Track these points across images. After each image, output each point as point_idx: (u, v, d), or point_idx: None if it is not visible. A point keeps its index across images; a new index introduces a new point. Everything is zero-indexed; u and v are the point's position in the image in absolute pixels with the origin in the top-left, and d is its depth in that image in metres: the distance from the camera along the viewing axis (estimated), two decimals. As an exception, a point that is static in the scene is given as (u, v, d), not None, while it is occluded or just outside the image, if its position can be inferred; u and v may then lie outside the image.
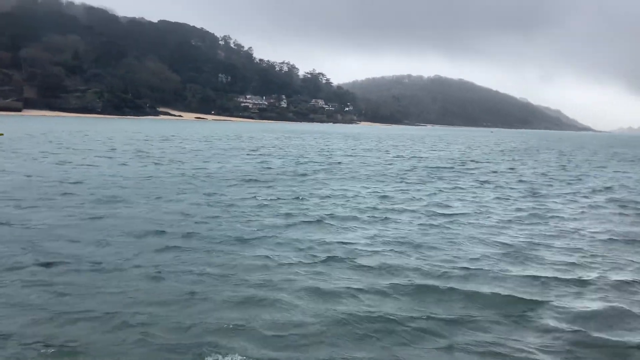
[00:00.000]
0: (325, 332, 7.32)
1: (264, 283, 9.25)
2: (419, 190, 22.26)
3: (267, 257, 10.89)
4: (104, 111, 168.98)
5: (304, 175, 26.63)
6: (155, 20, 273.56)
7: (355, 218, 15.39)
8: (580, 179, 29.47)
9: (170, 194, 18.42)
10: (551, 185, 25.64)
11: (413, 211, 16.84)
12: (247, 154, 40.24)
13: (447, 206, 18.06)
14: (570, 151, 67.65)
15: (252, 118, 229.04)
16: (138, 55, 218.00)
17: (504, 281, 9.75)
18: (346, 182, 24.13)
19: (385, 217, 15.61)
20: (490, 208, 17.93)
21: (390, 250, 11.78)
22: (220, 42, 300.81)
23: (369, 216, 15.72)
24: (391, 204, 18.05)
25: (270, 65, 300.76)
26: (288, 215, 15.41)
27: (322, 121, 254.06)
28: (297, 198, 18.63)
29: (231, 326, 7.41)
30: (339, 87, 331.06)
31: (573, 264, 11.10)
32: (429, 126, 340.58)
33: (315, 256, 11.07)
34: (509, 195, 21.32)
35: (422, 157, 44.74)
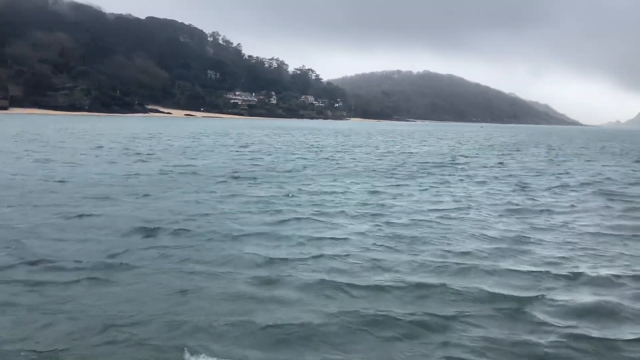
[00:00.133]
0: (317, 329, 7.20)
1: (254, 280, 9.12)
2: (409, 185, 22.22)
3: (256, 254, 10.75)
4: (92, 109, 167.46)
5: (293, 171, 26.52)
6: (142, 16, 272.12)
7: (345, 214, 15.30)
8: (569, 173, 29.58)
9: (157, 192, 18.22)
10: (541, 179, 25.69)
11: (403, 206, 16.77)
12: (236, 151, 40.08)
13: (438, 201, 18.02)
14: (559, 145, 68.02)
15: (241, 115, 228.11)
16: (126, 52, 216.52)
17: (495, 276, 9.69)
18: (336, 178, 24.04)
19: (376, 213, 15.53)
20: (480, 203, 17.91)
21: (382, 245, 11.70)
22: (208, 39, 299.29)
23: (359, 212, 15.63)
24: (381, 200, 17.97)
25: (260, 62, 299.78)
26: (278, 211, 15.28)
27: (312, 117, 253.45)
28: (287, 195, 18.51)
29: (222, 324, 7.28)
30: (328, 83, 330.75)
31: (564, 257, 11.06)
32: (419, 121, 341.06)
33: (306, 253, 10.95)
34: (499, 190, 21.32)
35: (412, 153, 44.78)
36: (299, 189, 19.91)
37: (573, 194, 20.82)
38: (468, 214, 15.83)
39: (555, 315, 7.90)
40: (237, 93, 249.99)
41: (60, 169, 24.38)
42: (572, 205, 17.79)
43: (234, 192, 18.63)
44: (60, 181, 20.12)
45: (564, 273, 9.93)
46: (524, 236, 12.93)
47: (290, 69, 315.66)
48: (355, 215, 15.13)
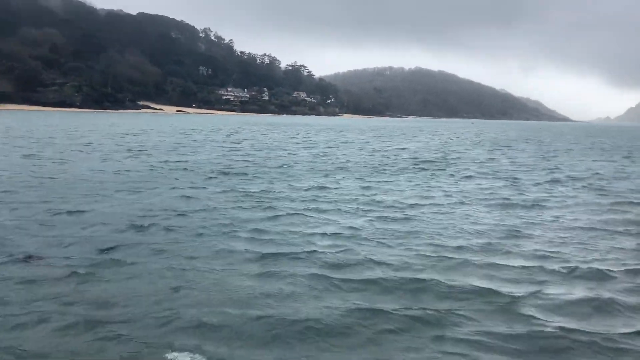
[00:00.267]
0: (310, 325, 7.15)
1: (246, 276, 9.07)
2: (400, 181, 22.22)
3: (247, 250, 10.70)
4: (83, 105, 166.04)
5: (285, 167, 26.45)
6: (134, 12, 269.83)
7: (337, 209, 15.27)
8: (559, 168, 29.68)
9: (148, 188, 18.11)
10: (531, 175, 25.76)
11: (395, 202, 16.75)
12: (228, 147, 39.91)
13: (430, 196, 18.03)
14: (550, 141, 68.28)
15: (233, 111, 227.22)
16: (117, 48, 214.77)
17: (487, 271, 9.69)
18: (328, 174, 23.99)
19: (368, 209, 15.51)
20: (471, 198, 17.93)
21: (374, 241, 11.67)
22: (200, 35, 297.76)
23: (351, 207, 15.61)
24: (373, 195, 17.95)
25: (252, 58, 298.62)
26: (270, 207, 15.22)
27: (304, 113, 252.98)
28: (279, 190, 18.46)
29: (213, 321, 7.22)
30: (320, 79, 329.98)
31: (555, 252, 11.08)
32: (411, 118, 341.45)
33: (297, 248, 10.90)
34: (490, 185, 21.37)
35: (403, 149, 44.81)
36: (290, 185, 19.86)
37: (563, 189, 20.90)
38: (460, 209, 15.84)
39: (548, 310, 7.90)
40: (229, 89, 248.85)
41: (49, 165, 24.18)
42: (563, 200, 17.85)
43: (225, 188, 18.55)
44: (49, 177, 19.94)
45: (556, 268, 9.94)
46: (516, 231, 12.96)
47: (283, 65, 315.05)
48: (347, 211, 15.10)
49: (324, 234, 12.17)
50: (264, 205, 15.47)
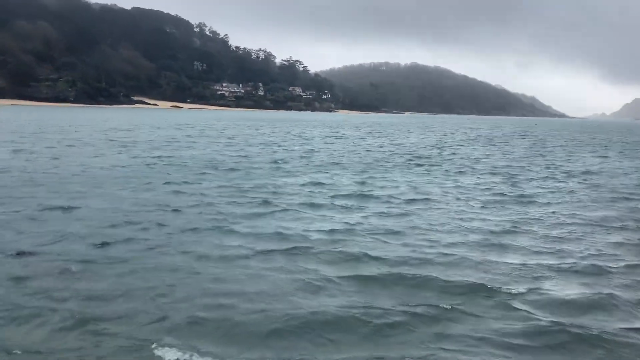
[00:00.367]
0: (306, 323, 7.04)
1: (240, 274, 8.94)
2: (396, 177, 22.13)
3: (241, 246, 10.57)
4: (77, 100, 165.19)
5: (280, 162, 26.30)
6: (128, 7, 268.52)
7: (333, 205, 15.15)
8: (555, 164, 29.67)
9: (141, 183, 17.92)
10: (527, 171, 25.74)
11: (391, 197, 16.64)
12: (223, 142, 39.72)
13: (425, 192, 17.92)
14: (546, 137, 68.40)
15: (228, 106, 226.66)
16: (111, 42, 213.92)
17: (483, 267, 9.61)
18: (323, 170, 23.88)
19: (363, 205, 15.40)
20: (467, 193, 17.86)
21: (370, 237, 11.56)
22: (195, 30, 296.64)
23: (346, 203, 15.49)
24: (369, 191, 17.83)
25: (247, 53, 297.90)
26: (265, 203, 15.08)
27: (299, 109, 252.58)
28: (274, 186, 18.32)
29: (209, 319, 7.10)
30: (316, 74, 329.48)
31: (552, 248, 11.03)
32: (407, 113, 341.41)
33: (292, 244, 10.77)
34: (487, 181, 21.31)
35: (399, 144, 44.74)
36: (285, 181, 19.72)
37: (559, 184, 20.86)
38: (455, 204, 15.76)
39: (545, 306, 7.82)
40: (224, 84, 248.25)
41: (40, 160, 23.94)
42: (559, 196, 17.80)
43: (219, 184, 18.39)
44: (41, 173, 19.74)
45: (553, 263, 9.89)
46: (512, 227, 12.88)
47: (278, 61, 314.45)
48: (343, 206, 14.98)
49: (319, 230, 12.05)
50: (258, 201, 15.32)
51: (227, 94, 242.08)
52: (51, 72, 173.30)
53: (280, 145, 38.41)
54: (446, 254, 10.31)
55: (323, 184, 19.23)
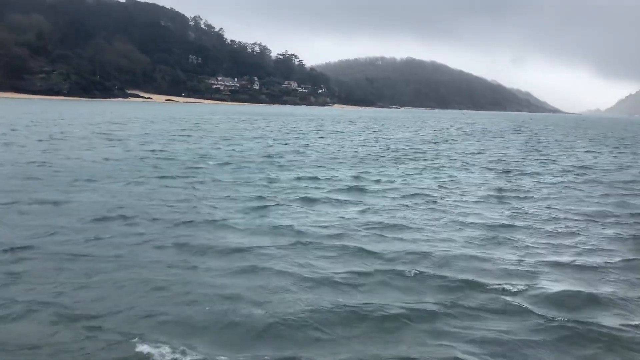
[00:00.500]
0: (300, 320, 6.93)
1: (235, 270, 8.82)
2: (391, 172, 22.06)
3: (236, 242, 10.48)
4: (71, 93, 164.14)
5: (274, 157, 26.18)
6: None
7: (328, 200, 15.06)
8: (550, 159, 29.64)
9: (134, 177, 17.76)
10: (524, 166, 25.70)
11: (386, 192, 16.56)
12: (217, 136, 39.54)
13: (421, 187, 17.84)
14: (540, 132, 68.48)
15: (223, 100, 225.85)
16: (106, 35, 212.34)
17: (480, 264, 9.52)
18: (319, 165, 23.80)
19: (358, 200, 15.32)
20: (463, 189, 17.81)
21: (365, 233, 11.48)
22: (190, 23, 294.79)
23: (342, 198, 15.40)
24: (364, 186, 17.74)
25: (242, 47, 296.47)
26: (259, 198, 14.97)
27: (295, 103, 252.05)
28: (269, 181, 18.22)
29: (201, 317, 6.98)
30: (312, 69, 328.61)
31: (548, 244, 10.97)
32: (402, 108, 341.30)
33: (287, 240, 10.67)
34: (482, 176, 21.26)
35: (395, 139, 44.65)
36: (279, 175, 19.60)
37: (555, 179, 20.81)
38: (451, 199, 15.70)
39: (542, 302, 7.74)
40: (219, 78, 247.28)
41: (33, 153, 23.72)
42: (555, 191, 17.75)
43: (213, 178, 18.26)
44: (32, 166, 19.55)
45: (549, 259, 9.83)
46: (508, 222, 12.83)
47: (273, 55, 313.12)
48: (338, 201, 14.89)
49: (314, 225, 11.96)
50: (252, 196, 15.21)
51: (222, 88, 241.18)
52: (45, 65, 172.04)
53: (275, 140, 38.26)
54: (442, 250, 10.23)
55: (318, 178, 19.12)
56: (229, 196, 15.06)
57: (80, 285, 7.92)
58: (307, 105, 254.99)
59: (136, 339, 6.33)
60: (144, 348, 6.13)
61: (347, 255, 9.76)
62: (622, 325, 7.05)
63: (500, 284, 8.37)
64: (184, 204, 13.72)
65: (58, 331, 6.51)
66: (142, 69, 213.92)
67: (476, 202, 15.53)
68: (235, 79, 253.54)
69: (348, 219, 12.71)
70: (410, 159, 27.42)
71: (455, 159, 28.15)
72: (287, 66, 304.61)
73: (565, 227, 12.56)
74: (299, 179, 18.87)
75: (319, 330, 6.71)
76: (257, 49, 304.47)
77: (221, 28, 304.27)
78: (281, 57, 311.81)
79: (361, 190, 16.91)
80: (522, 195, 16.74)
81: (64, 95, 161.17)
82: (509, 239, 11.23)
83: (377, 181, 19.00)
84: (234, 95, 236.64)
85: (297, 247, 10.19)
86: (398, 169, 23.04)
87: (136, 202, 13.69)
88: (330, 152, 30.17)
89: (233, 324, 6.80)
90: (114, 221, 11.70)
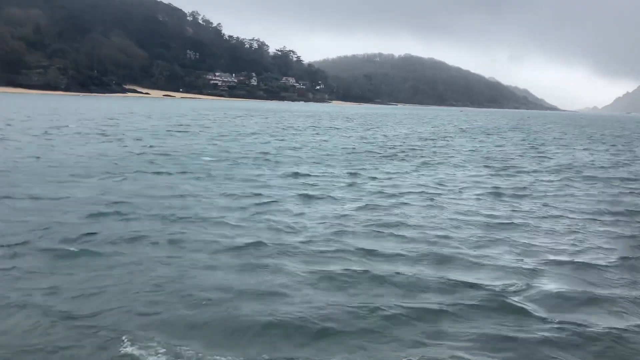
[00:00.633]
0: (297, 321, 6.85)
1: (230, 268, 8.75)
2: (388, 169, 21.99)
3: (230, 238, 10.39)
4: (68, 88, 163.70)
5: (271, 154, 26.10)
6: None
7: (324, 197, 14.96)
8: (549, 157, 29.58)
9: (130, 172, 17.67)
10: (521, 163, 25.63)
11: (383, 190, 16.47)
12: (214, 132, 39.41)
13: (418, 184, 17.77)
14: (538, 130, 68.47)
15: (221, 96, 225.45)
16: (103, 30, 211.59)
17: (478, 263, 9.44)
18: (316, 161, 23.70)
19: (355, 197, 15.24)
20: (460, 186, 17.73)
21: (362, 231, 11.39)
22: (188, 18, 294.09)
23: (338, 195, 15.32)
24: (361, 183, 17.68)
25: (240, 42, 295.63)
26: (256, 195, 14.89)
27: (293, 100, 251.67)
28: (265, 177, 18.14)
29: (197, 317, 6.90)
30: (310, 65, 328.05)
31: (546, 243, 10.90)
32: (400, 105, 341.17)
33: (283, 238, 10.60)
34: (480, 173, 21.20)
35: (393, 136, 44.59)
36: (276, 172, 19.52)
37: (552, 177, 20.74)
38: (448, 197, 15.63)
39: (540, 303, 7.67)
40: (217, 74, 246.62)
41: (28, 149, 23.58)
42: (552, 189, 17.68)
43: (209, 174, 18.17)
44: (28, 162, 19.42)
45: (547, 259, 9.77)
46: (505, 220, 12.74)
47: (271, 51, 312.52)
48: (334, 198, 14.80)
49: (311, 222, 11.87)
50: (248, 192, 15.12)
51: (220, 84, 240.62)
52: (42, 60, 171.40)
53: (272, 136, 38.16)
54: (440, 248, 10.16)
55: (314, 175, 19.05)
56: (225, 193, 14.97)
57: (73, 282, 7.83)
58: (305, 101, 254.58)
59: (130, 337, 6.25)
60: (138, 347, 6.05)
61: (344, 253, 9.67)
62: (622, 325, 7.00)
63: (498, 284, 8.31)
64: (180, 200, 13.63)
65: (51, 329, 6.42)
66: (140, 64, 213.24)
67: (474, 199, 15.47)
68: (233, 75, 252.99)
69: (345, 216, 12.63)
70: (407, 156, 27.35)
71: (452, 156, 28.09)
72: (285, 62, 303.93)
73: (563, 225, 12.51)
74: (295, 175, 18.78)
75: (316, 330, 6.63)
76: (255, 45, 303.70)
77: (219, 23, 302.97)
78: (279, 53, 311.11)
79: (358, 187, 16.84)
80: (520, 193, 16.68)
81: (62, 90, 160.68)
82: (507, 238, 11.16)
83: (374, 178, 18.92)
84: (231, 91, 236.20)
85: (293, 244, 10.09)
86: (395, 166, 22.97)
87: (131, 198, 13.58)
88: (327, 148, 30.08)
89: (229, 322, 6.72)
90: (108, 217, 11.61)
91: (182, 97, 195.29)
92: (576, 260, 9.70)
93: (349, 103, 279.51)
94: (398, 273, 8.65)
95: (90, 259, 8.84)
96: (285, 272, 8.56)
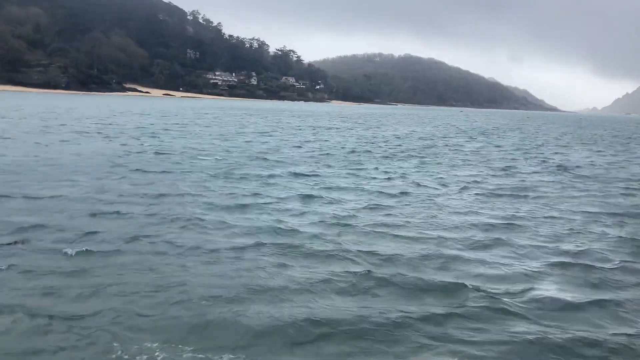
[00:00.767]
0: (295, 325, 6.79)
1: (228, 269, 8.70)
2: (389, 169, 21.95)
3: (229, 239, 10.34)
4: (68, 87, 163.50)
5: (271, 154, 26.05)
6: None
7: (324, 198, 14.89)
8: (548, 158, 29.54)
9: (128, 171, 17.61)
10: (522, 164, 25.61)
11: (383, 190, 16.42)
12: (213, 132, 39.36)
13: (418, 185, 17.73)
14: (538, 131, 68.43)
15: (221, 95, 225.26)
16: (103, 29, 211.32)
17: (478, 266, 9.38)
18: (315, 161, 23.66)
19: (355, 198, 15.20)
20: (460, 187, 17.68)
21: (361, 233, 11.33)
22: (188, 17, 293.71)
23: (338, 196, 15.27)
24: (360, 183, 17.63)
25: (240, 42, 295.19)
26: (255, 195, 14.85)
27: (293, 99, 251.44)
28: (264, 177, 18.09)
29: (194, 320, 6.85)
30: (309, 64, 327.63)
31: (546, 246, 10.83)
32: (400, 105, 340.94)
33: (283, 238, 10.55)
34: (480, 174, 21.16)
35: (392, 136, 44.54)
36: (275, 172, 19.46)
37: (552, 178, 20.70)
38: (448, 197, 15.59)
39: (540, 307, 7.62)
40: (217, 73, 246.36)
41: (27, 148, 23.53)
42: (552, 190, 17.64)
43: (209, 173, 18.12)
44: (27, 161, 19.37)
45: (547, 262, 9.69)
46: (506, 222, 12.68)
47: (271, 50, 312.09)
48: (333, 199, 14.75)
49: (310, 223, 11.83)
50: (247, 192, 15.09)
51: (220, 83, 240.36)
52: (42, 58, 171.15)
53: (271, 136, 38.12)
54: (440, 250, 10.10)
55: (314, 175, 19.00)
56: (224, 192, 14.93)
57: (71, 282, 7.76)
58: (305, 101, 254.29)
59: (129, 339, 6.20)
60: (136, 348, 6.00)
61: (343, 255, 9.61)
62: (626, 328, 6.97)
63: (500, 286, 8.26)
64: (179, 200, 13.58)
65: (48, 330, 6.36)
66: (140, 63, 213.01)
67: (474, 200, 15.44)
68: (233, 74, 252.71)
69: (345, 216, 12.59)
70: (407, 156, 27.32)
71: (452, 157, 28.06)
72: (285, 62, 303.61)
73: (564, 226, 12.46)
74: (295, 175, 18.75)
75: (316, 332, 6.57)
76: (255, 45, 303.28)
77: (219, 23, 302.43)
78: (279, 52, 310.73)
79: (358, 187, 16.80)
80: (520, 194, 16.63)
81: (62, 88, 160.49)
82: (508, 239, 11.10)
83: (374, 178, 18.90)
84: (231, 91, 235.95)
85: (291, 246, 10.03)
86: (395, 166, 22.93)
87: (128, 198, 13.52)
88: (326, 148, 30.02)
89: (229, 324, 6.67)
90: (107, 216, 11.54)
91: (182, 96, 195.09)
92: (579, 262, 9.65)
93: (348, 103, 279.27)
94: (399, 274, 8.60)
95: (89, 259, 8.77)
96: (285, 273, 8.51)
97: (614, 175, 22.62)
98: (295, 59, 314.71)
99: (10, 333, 6.30)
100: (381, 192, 16.02)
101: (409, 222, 12.32)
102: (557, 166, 25.32)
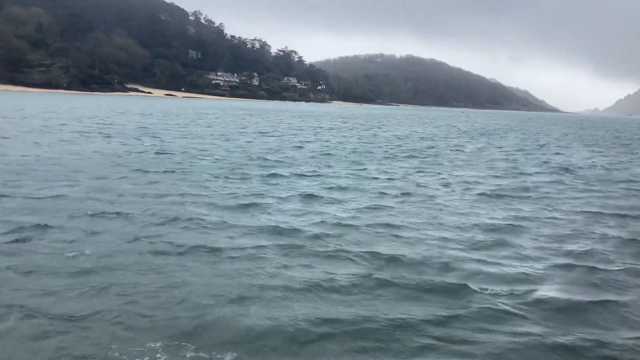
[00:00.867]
0: (294, 327, 6.73)
1: (227, 271, 8.66)
2: (390, 169, 21.90)
3: (230, 240, 10.30)
4: (70, 87, 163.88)
5: (271, 153, 26.02)
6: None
7: (326, 198, 14.86)
8: (550, 159, 29.48)
9: (129, 172, 17.58)
10: (523, 165, 25.56)
11: (385, 189, 16.38)
12: (215, 132, 39.36)
13: (419, 185, 17.68)
14: (540, 132, 68.37)
15: (223, 95, 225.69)
16: (105, 29, 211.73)
17: (478, 268, 9.31)
18: (317, 162, 23.63)
19: (355, 197, 15.15)
20: (462, 187, 17.64)
21: (362, 233, 11.28)
22: (190, 18, 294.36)
23: (340, 196, 15.23)
24: (361, 184, 17.59)
25: (242, 42, 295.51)
26: (255, 195, 14.81)
27: (294, 100, 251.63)
28: (264, 177, 18.06)
29: (190, 321, 6.81)
30: (311, 65, 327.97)
31: (548, 247, 10.77)
32: (401, 106, 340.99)
33: (284, 240, 10.50)
34: (481, 174, 21.10)
35: (394, 136, 44.52)
36: (276, 172, 19.42)
37: (554, 178, 20.64)
38: (449, 198, 15.52)
39: (540, 309, 7.55)
40: (218, 73, 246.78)
41: (27, 148, 23.53)
42: (554, 191, 17.59)
43: (210, 173, 18.09)
44: (27, 161, 19.36)
45: (550, 264, 9.64)
46: (507, 223, 12.60)
47: (273, 51, 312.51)
48: (336, 199, 14.71)
49: (311, 224, 11.77)
50: (248, 193, 15.05)
51: (221, 83, 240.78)
52: (44, 58, 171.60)
53: (272, 136, 38.11)
54: (442, 251, 10.04)
55: (316, 175, 18.97)
56: (225, 193, 14.90)
57: (71, 283, 7.72)
58: (306, 101, 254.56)
59: (129, 340, 6.16)
60: (136, 350, 5.95)
61: (344, 255, 9.56)
62: (627, 330, 6.92)
63: (502, 287, 8.20)
64: (178, 200, 13.53)
65: (48, 331, 6.31)
66: (142, 63, 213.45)
67: (476, 200, 15.39)
68: (235, 75, 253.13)
69: (346, 217, 12.54)
70: (409, 157, 27.28)
71: (454, 157, 28.01)
72: (286, 62, 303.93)
73: (565, 228, 12.39)
74: (296, 175, 18.72)
75: (317, 334, 6.51)
76: (256, 45, 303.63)
77: (221, 23, 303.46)
78: (281, 53, 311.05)
79: (359, 187, 16.76)
80: (522, 194, 16.58)
81: (64, 88, 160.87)
82: (510, 240, 11.04)
83: (376, 178, 18.86)
84: (233, 91, 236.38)
85: (293, 246, 9.99)
86: (397, 167, 22.89)
87: (128, 198, 13.50)
88: (327, 148, 29.99)
89: (229, 325, 6.61)
90: (105, 217, 11.49)
91: (183, 97, 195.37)
92: (581, 263, 9.58)
93: (350, 103, 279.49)
94: (400, 275, 8.55)
95: (89, 259, 8.74)
96: (286, 273, 8.47)
97: (616, 176, 22.55)
98: (296, 59, 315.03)
99: (11, 333, 6.26)
100: (382, 193, 15.97)
101: (410, 222, 12.27)
102: (559, 167, 25.26)
